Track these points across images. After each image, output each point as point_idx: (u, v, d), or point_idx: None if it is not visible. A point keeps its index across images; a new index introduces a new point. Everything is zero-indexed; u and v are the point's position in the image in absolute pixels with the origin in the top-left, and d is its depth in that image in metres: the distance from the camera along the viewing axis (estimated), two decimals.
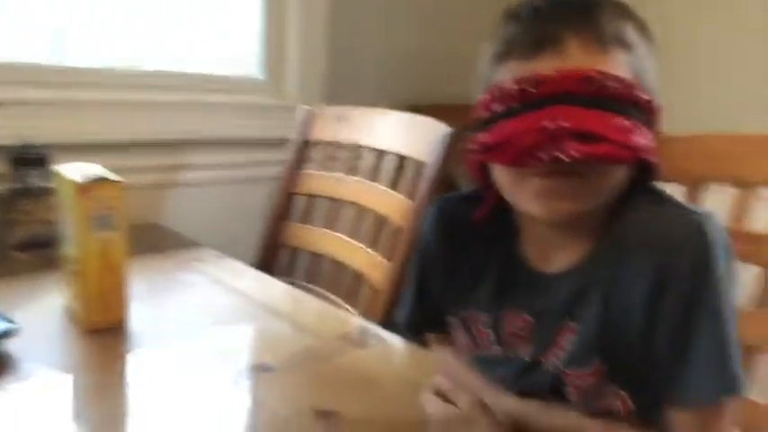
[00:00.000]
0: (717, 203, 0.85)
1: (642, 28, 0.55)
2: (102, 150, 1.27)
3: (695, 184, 0.89)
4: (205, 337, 0.81)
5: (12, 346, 0.71)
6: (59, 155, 1.14)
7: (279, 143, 1.48)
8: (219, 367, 0.73)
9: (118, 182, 0.76)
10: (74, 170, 0.78)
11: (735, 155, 0.85)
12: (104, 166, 0.82)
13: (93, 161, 0.87)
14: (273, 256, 1.40)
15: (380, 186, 1.20)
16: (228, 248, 1.44)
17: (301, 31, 1.57)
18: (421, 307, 0.69)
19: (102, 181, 0.75)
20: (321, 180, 1.34)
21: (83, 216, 0.74)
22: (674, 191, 0.84)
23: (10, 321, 0.73)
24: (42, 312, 0.84)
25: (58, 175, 0.80)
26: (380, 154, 1.23)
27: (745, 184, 0.84)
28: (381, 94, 1.77)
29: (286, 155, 1.40)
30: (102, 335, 0.78)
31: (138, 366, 0.74)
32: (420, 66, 1.87)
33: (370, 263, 1.17)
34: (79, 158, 0.96)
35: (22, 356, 0.71)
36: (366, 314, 1.14)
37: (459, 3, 1.91)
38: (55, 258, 0.85)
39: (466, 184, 0.64)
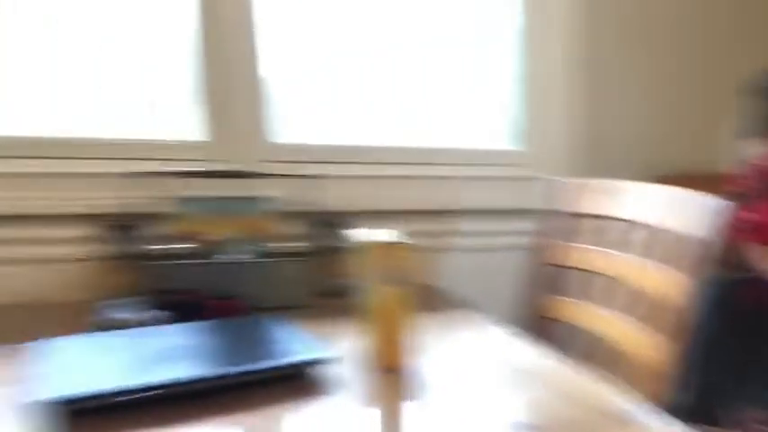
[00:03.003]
0: None
1: None
2: (383, 217, 1.48)
3: None
4: (474, 393, 0.88)
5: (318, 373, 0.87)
6: (353, 219, 1.35)
7: (534, 213, 1.54)
8: (487, 421, 0.78)
9: (409, 244, 0.88)
10: (371, 233, 0.93)
11: None
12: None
13: (376, 226, 1.02)
14: (539, 327, 1.42)
15: (651, 262, 1.16)
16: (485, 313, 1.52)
17: (561, 106, 1.63)
18: (694, 393, 0.65)
19: (396, 243, 0.88)
20: (587, 254, 1.34)
21: (378, 272, 0.87)
22: None
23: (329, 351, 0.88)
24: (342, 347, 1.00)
25: (358, 236, 0.96)
26: (650, 229, 1.19)
27: None
28: (629, 165, 1.72)
29: (544, 225, 1.45)
30: (388, 377, 0.90)
31: (414, 408, 0.83)
32: (666, 134, 1.79)
33: (640, 341, 1.12)
34: (367, 223, 1.14)
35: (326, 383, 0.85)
36: (636, 393, 1.10)
37: (705, 74, 1.80)
38: (350, 306, 1.00)
39: (739, 261, 0.60)
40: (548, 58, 1.65)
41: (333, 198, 1.41)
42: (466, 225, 1.58)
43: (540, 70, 1.66)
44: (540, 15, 1.66)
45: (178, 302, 1.13)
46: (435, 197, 1.55)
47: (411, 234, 1.54)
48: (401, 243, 0.89)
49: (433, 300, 1.38)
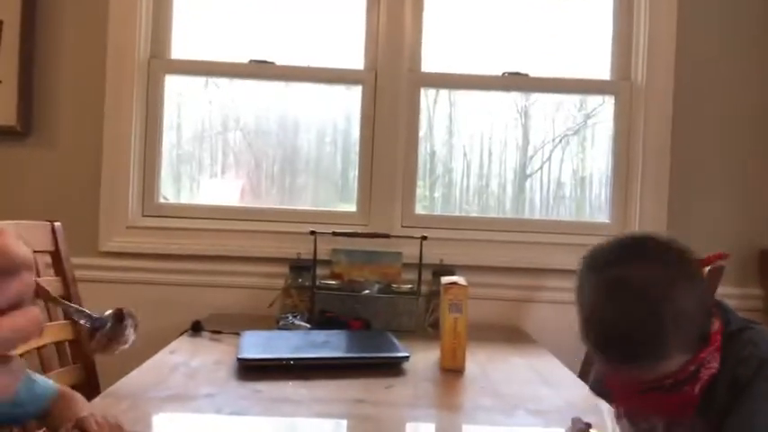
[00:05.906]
0: None
1: None
2: (483, 271, 1.95)
3: None
4: (499, 381, 1.32)
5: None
6: (457, 271, 1.84)
7: None
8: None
9: (464, 286, 1.37)
10: (448, 279, 1.43)
11: None
12: (479, 282, 1.45)
13: (473, 277, 1.50)
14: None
15: None
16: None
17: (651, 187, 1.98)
18: None
19: (456, 284, 1.37)
20: None
21: (445, 304, 1.37)
22: None
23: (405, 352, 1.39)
24: (429, 356, 1.49)
25: (442, 281, 1.46)
26: None
27: None
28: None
29: None
30: (449, 374, 1.37)
31: (467, 396, 1.29)
32: None
33: None
34: (464, 274, 1.62)
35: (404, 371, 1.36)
36: None
37: None
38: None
39: None
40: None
41: (445, 255, 1.93)
42: (554, 282, 1.97)
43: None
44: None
45: (331, 318, 1.72)
46: (527, 258, 1.98)
47: (505, 287, 2.00)
48: (460, 285, 1.38)
49: (514, 337, 1.81)
